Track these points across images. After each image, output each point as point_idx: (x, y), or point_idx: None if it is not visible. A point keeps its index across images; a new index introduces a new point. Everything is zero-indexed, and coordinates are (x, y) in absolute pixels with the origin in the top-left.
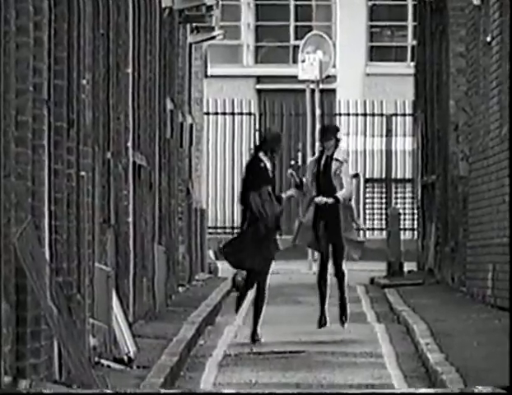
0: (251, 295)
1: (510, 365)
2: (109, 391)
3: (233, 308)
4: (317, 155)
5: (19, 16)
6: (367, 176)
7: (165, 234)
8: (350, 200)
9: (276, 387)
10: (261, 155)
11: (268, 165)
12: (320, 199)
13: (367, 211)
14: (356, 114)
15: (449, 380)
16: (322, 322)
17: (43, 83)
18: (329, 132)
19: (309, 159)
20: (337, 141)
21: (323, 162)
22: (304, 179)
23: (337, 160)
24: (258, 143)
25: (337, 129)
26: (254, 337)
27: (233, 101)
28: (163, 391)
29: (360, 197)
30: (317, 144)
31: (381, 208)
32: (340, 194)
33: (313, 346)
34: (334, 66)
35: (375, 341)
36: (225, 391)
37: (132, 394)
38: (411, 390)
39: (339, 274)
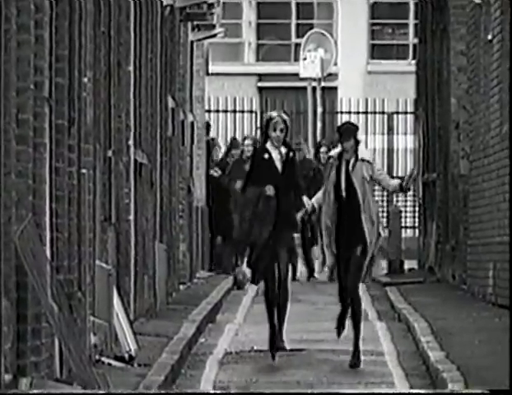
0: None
1: (510, 365)
2: (113, 391)
3: (234, 306)
4: (332, 160)
5: (20, 14)
6: None
7: (166, 232)
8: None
9: (277, 385)
10: (268, 145)
11: (276, 158)
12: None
13: None
14: (358, 112)
15: (450, 378)
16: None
17: (44, 81)
18: (347, 132)
19: (329, 161)
20: (357, 143)
21: (343, 168)
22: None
23: (363, 160)
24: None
25: (357, 128)
26: (276, 345)
27: (234, 99)
28: (163, 391)
29: None
30: (322, 149)
31: (382, 206)
32: (397, 182)
33: (313, 344)
34: (335, 64)
35: (376, 340)
36: (226, 391)
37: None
38: (412, 390)
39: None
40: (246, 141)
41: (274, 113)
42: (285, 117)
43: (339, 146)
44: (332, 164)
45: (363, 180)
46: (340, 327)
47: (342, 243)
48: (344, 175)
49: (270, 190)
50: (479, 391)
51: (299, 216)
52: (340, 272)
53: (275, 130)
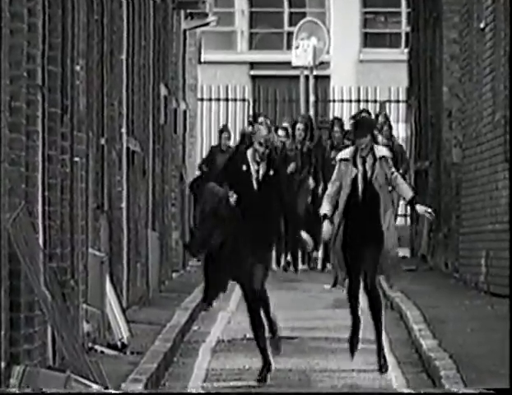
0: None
1: (510, 364)
2: (115, 391)
3: (226, 294)
4: (346, 156)
5: (13, 2)
6: None
7: (159, 220)
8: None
9: (270, 372)
10: (249, 155)
11: (254, 173)
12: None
13: None
14: (350, 101)
15: (443, 366)
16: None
17: (37, 69)
18: (364, 128)
19: (338, 156)
20: (374, 139)
21: (360, 169)
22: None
23: (382, 158)
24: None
25: (374, 124)
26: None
27: (227, 87)
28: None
29: None
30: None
31: None
32: (410, 195)
33: (306, 331)
34: (328, 52)
35: (369, 328)
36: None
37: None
38: (413, 391)
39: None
40: (223, 134)
41: (262, 129)
42: (270, 135)
43: (349, 143)
44: (343, 168)
45: (385, 182)
46: (353, 346)
47: (354, 252)
48: (361, 177)
49: (232, 197)
50: (479, 390)
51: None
52: (352, 280)
53: (261, 144)
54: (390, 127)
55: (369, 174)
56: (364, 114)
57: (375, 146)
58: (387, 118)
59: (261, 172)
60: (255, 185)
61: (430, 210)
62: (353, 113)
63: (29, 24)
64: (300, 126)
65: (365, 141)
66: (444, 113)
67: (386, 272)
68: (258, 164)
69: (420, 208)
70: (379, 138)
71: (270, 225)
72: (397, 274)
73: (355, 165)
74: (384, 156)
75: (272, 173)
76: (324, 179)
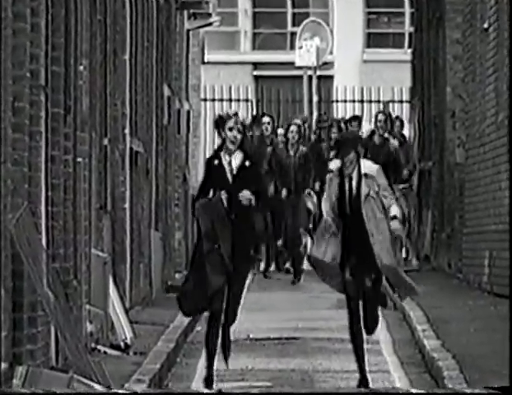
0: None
1: (510, 364)
2: (120, 391)
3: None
4: (333, 173)
5: (16, 2)
6: None
7: (162, 221)
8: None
9: (272, 373)
10: (223, 150)
11: (227, 165)
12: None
13: None
14: (353, 101)
15: (446, 366)
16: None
17: (40, 69)
18: (347, 144)
19: (328, 176)
20: (358, 156)
21: (346, 187)
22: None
23: (366, 175)
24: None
25: (358, 138)
26: None
27: (230, 88)
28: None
29: None
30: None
31: None
32: (395, 212)
33: (309, 332)
34: (331, 52)
35: None
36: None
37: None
38: (413, 390)
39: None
40: (291, 127)
41: (229, 113)
42: (240, 117)
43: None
44: (331, 179)
45: (370, 199)
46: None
47: (350, 272)
48: (348, 194)
49: (224, 195)
50: (479, 390)
51: None
52: (351, 304)
53: (231, 130)
54: (402, 124)
55: (354, 191)
56: (348, 134)
57: (362, 161)
58: (387, 116)
59: (234, 164)
60: (230, 179)
61: (399, 229)
62: (344, 118)
63: (32, 24)
64: (293, 128)
65: (349, 159)
66: (448, 114)
67: (398, 293)
68: (230, 154)
69: (394, 224)
70: (391, 139)
71: (247, 225)
72: (411, 289)
73: (342, 181)
74: (366, 174)
75: (247, 164)
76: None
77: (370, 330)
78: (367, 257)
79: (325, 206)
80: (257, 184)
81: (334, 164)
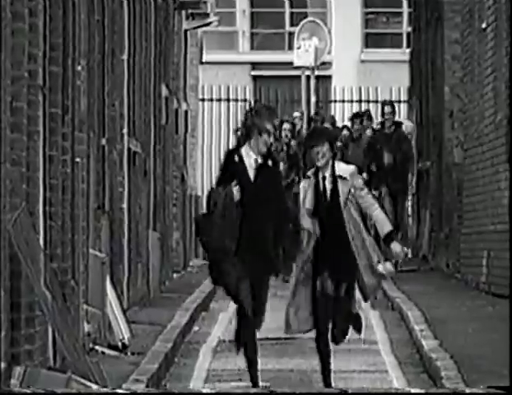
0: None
1: (510, 366)
2: (118, 391)
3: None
4: (309, 175)
5: (14, 3)
6: None
7: (160, 221)
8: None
9: (271, 373)
10: (244, 147)
11: (250, 163)
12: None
13: None
14: (351, 101)
15: (444, 367)
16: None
17: (38, 69)
18: (319, 135)
19: (302, 183)
20: (332, 148)
21: (321, 188)
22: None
23: (341, 177)
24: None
25: (335, 136)
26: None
27: (228, 88)
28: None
29: None
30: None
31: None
32: (386, 230)
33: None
34: (329, 52)
35: (370, 328)
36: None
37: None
38: (412, 390)
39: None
40: (284, 125)
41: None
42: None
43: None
44: (308, 183)
45: (348, 200)
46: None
47: (324, 277)
48: (323, 197)
49: (236, 191)
50: (479, 390)
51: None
52: (318, 312)
53: (269, 134)
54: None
55: (328, 194)
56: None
57: (337, 163)
58: (394, 107)
59: (258, 162)
60: (251, 176)
61: (405, 251)
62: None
63: (30, 24)
64: (286, 126)
65: (321, 151)
66: (446, 114)
67: (369, 296)
68: (255, 153)
69: (395, 247)
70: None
71: (269, 223)
72: (376, 293)
73: (317, 183)
74: (341, 176)
75: (270, 163)
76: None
77: (338, 340)
78: (346, 264)
79: (302, 213)
80: (276, 184)
81: (310, 171)
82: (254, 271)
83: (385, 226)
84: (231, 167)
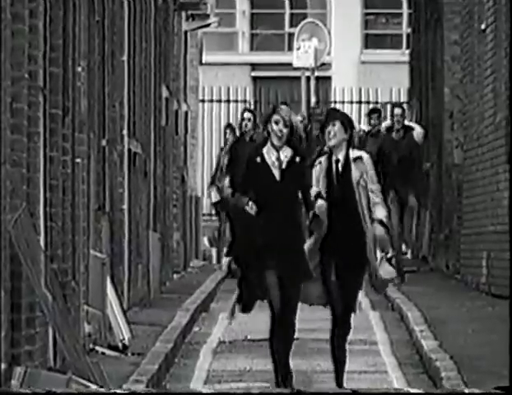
0: None
1: (510, 366)
2: (118, 391)
3: (227, 294)
4: (322, 159)
5: (14, 4)
6: None
7: (160, 222)
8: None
9: (271, 374)
10: (265, 147)
11: (272, 162)
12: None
13: None
14: (351, 102)
15: (443, 367)
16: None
17: (38, 70)
18: (333, 114)
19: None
20: (346, 130)
21: (333, 170)
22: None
23: (356, 159)
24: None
25: (346, 116)
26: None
27: (228, 89)
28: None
29: None
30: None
31: None
32: (381, 215)
33: (307, 333)
34: (329, 53)
35: (370, 329)
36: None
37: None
38: (412, 390)
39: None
40: (245, 114)
41: (283, 106)
42: (294, 118)
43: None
44: (319, 164)
45: (360, 185)
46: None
47: (335, 264)
48: (335, 180)
49: (251, 208)
50: (479, 391)
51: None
52: (332, 297)
53: (277, 123)
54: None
55: (341, 174)
56: (373, 117)
57: (351, 149)
58: (404, 109)
59: (284, 159)
60: (277, 175)
61: (384, 237)
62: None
63: (30, 25)
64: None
65: (333, 130)
66: (446, 115)
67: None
68: (277, 150)
69: (378, 230)
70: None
71: (298, 225)
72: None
73: (330, 166)
74: (357, 157)
75: (298, 160)
76: None
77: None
78: (358, 248)
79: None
80: (304, 182)
81: (323, 156)
82: (285, 279)
83: (379, 213)
84: (253, 170)
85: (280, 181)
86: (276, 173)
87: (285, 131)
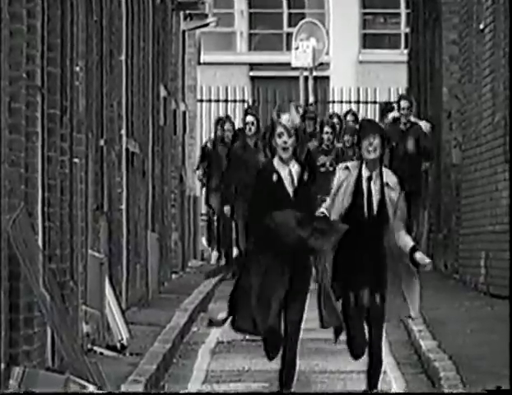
0: None
1: (510, 366)
2: (117, 392)
3: (225, 295)
4: (350, 167)
5: (12, 3)
6: None
7: (158, 222)
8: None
9: (269, 374)
10: (275, 161)
11: (286, 177)
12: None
13: None
14: (350, 102)
15: (442, 367)
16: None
17: (36, 70)
18: (370, 126)
19: (338, 169)
20: (383, 145)
21: (364, 187)
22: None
23: (388, 185)
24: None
25: (385, 131)
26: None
27: (226, 88)
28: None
29: None
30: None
31: None
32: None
33: (305, 333)
34: (327, 53)
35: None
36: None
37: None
38: (412, 391)
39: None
40: (226, 125)
41: (283, 115)
42: (296, 120)
43: (340, 146)
44: (346, 175)
45: (389, 207)
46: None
47: (357, 284)
48: (366, 196)
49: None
50: (479, 391)
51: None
52: (355, 324)
53: (280, 136)
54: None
55: (374, 200)
56: (348, 119)
57: (384, 170)
58: (411, 102)
59: (295, 174)
60: (291, 193)
61: (427, 261)
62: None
63: (28, 25)
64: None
65: (372, 144)
66: (444, 114)
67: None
68: (287, 163)
69: (420, 257)
70: (422, 122)
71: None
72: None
73: (359, 178)
74: (388, 183)
75: (306, 177)
76: None
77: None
78: (382, 270)
79: (332, 209)
80: (313, 202)
81: (351, 163)
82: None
83: (408, 242)
84: (268, 186)
85: (293, 198)
86: (290, 190)
87: (290, 141)
